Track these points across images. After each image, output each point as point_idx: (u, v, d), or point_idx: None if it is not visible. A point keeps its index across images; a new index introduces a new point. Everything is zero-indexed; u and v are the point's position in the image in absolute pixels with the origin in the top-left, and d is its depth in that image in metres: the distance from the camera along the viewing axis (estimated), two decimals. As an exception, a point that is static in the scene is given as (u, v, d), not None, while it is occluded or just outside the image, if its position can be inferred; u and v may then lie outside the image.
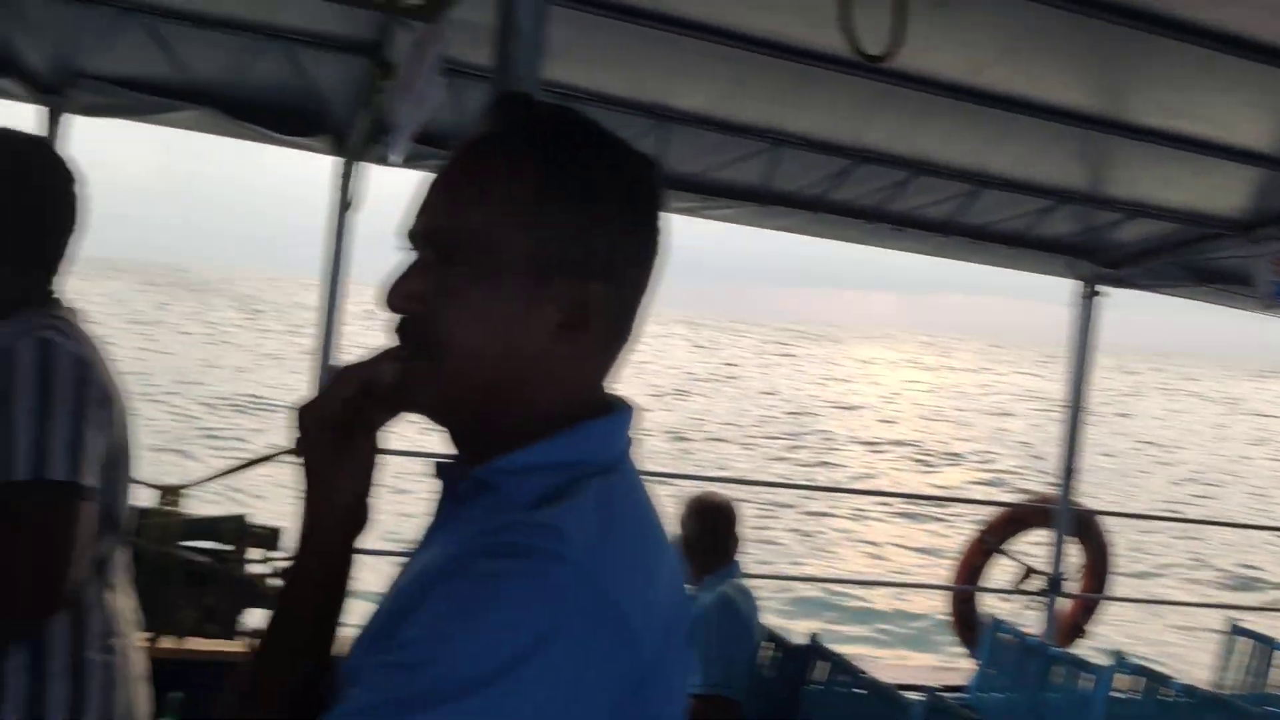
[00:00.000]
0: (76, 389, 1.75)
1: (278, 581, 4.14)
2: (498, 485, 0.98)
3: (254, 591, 4.13)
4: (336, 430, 1.03)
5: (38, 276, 1.89)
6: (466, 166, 1.02)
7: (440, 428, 1.04)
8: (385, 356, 1.02)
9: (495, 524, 0.91)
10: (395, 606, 0.95)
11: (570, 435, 0.99)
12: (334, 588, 1.05)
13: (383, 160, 4.06)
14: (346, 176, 4.20)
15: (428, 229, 1.00)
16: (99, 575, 1.84)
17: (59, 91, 3.71)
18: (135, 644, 1.93)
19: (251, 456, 4.64)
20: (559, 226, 0.98)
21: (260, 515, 4.32)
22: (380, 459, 1.06)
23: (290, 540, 4.24)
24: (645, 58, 3.50)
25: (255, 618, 4.16)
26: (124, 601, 1.93)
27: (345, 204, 4.21)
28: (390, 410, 1.04)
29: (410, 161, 4.06)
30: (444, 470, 1.06)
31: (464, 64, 3.70)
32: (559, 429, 0.99)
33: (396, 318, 1.01)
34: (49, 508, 1.70)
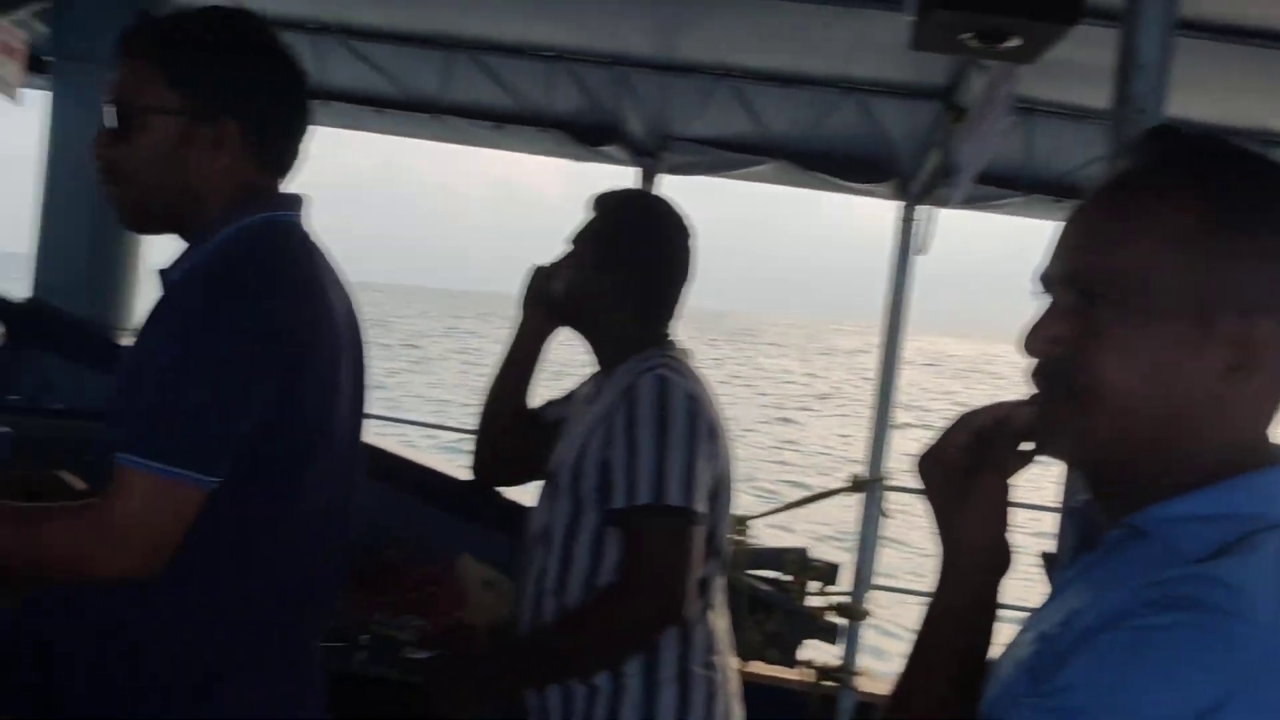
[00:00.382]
0: (689, 422, 1.91)
1: (835, 616, 4.24)
2: (1157, 535, 0.93)
3: (812, 624, 4.27)
4: (958, 474, 1.05)
5: (658, 321, 2.11)
6: (1116, 204, 0.98)
7: (1083, 473, 1.01)
8: (1017, 402, 1.02)
9: (1163, 576, 0.86)
10: (1041, 650, 0.93)
11: (1237, 485, 0.92)
12: (975, 629, 1.05)
13: (944, 203, 4.06)
14: (908, 220, 4.25)
15: (1071, 271, 0.98)
16: (702, 596, 2.00)
17: (653, 154, 4.14)
18: (732, 663, 2.07)
19: (810, 493, 4.82)
20: (1224, 262, 0.92)
21: (819, 550, 4.46)
22: (1011, 501, 1.05)
23: (847, 577, 4.35)
24: (1246, 78, 3.20)
25: (813, 649, 4.30)
26: (721, 623, 2.08)
27: (908, 248, 4.26)
28: (1021, 454, 1.04)
29: (971, 203, 4.04)
30: (1080, 516, 1.04)
31: (1034, 101, 3.62)
32: (1221, 478, 0.92)
33: (1033, 363, 1.00)
34: (667, 530, 1.86)
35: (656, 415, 1.90)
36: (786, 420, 27.51)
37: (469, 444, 2.35)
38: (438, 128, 4.24)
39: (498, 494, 2.62)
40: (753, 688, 3.82)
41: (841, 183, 4.05)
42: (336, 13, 3.84)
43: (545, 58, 3.79)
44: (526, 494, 2.42)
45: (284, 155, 1.65)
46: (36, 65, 3.75)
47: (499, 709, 1.97)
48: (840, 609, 4.26)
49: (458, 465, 2.68)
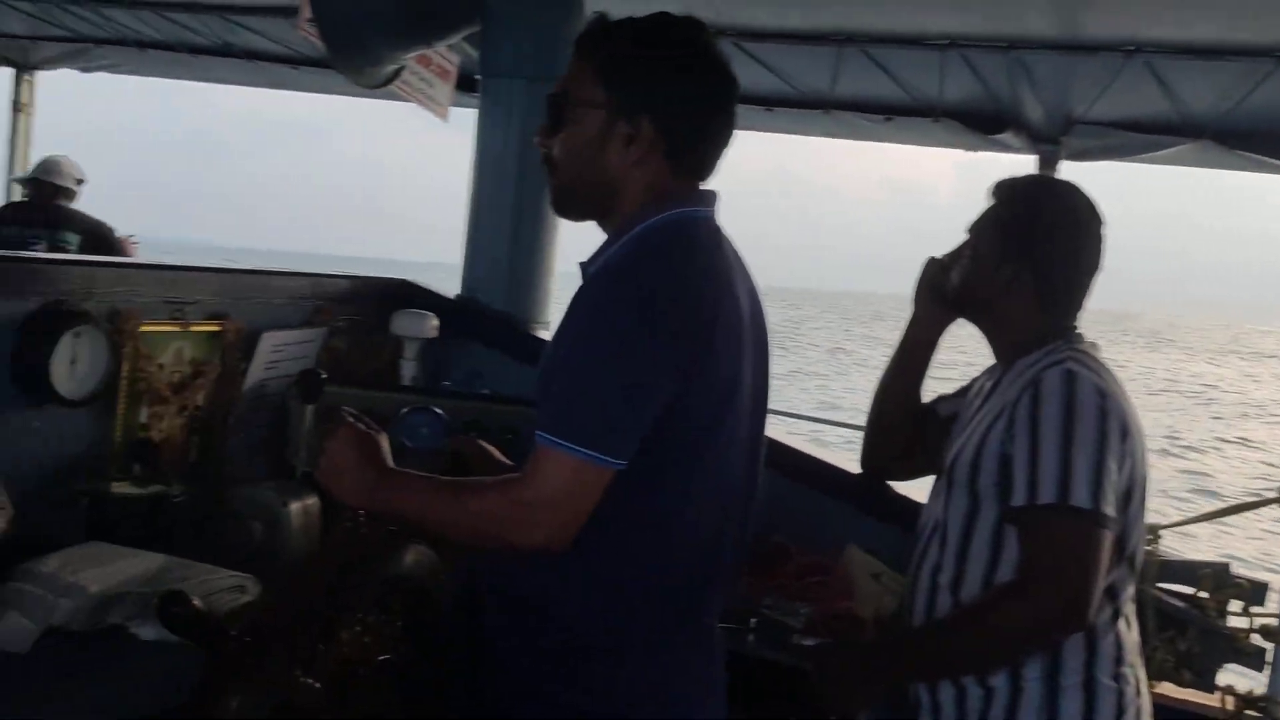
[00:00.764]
0: (1098, 419, 1.80)
1: (1261, 640, 3.84)
2: None
3: (1233, 646, 3.88)
4: None
5: (1062, 312, 2.00)
6: None
7: None
8: None
9: None
10: None
11: None
12: None
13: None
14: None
15: None
16: (1111, 603, 1.88)
17: (1054, 139, 3.93)
18: (1144, 678, 1.93)
19: (1233, 503, 4.38)
20: None
21: (1243, 566, 4.05)
22: None
23: (1276, 599, 3.91)
24: None
25: (1233, 674, 3.91)
26: (1132, 634, 1.95)
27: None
28: None
29: None
30: None
31: None
32: None
33: None
34: (1071, 532, 1.77)
35: (1063, 411, 1.81)
36: (1239, 439, 24.70)
37: (861, 438, 2.35)
38: (829, 124, 4.26)
39: (887, 487, 2.60)
40: (1162, 710, 3.54)
41: (1275, 162, 3.66)
42: (731, 16, 3.95)
43: (937, 46, 3.71)
44: (915, 488, 2.38)
45: (700, 158, 1.71)
46: (467, 85, 4.14)
47: (887, 702, 1.95)
48: (1266, 632, 3.84)
49: (850, 459, 2.68)
